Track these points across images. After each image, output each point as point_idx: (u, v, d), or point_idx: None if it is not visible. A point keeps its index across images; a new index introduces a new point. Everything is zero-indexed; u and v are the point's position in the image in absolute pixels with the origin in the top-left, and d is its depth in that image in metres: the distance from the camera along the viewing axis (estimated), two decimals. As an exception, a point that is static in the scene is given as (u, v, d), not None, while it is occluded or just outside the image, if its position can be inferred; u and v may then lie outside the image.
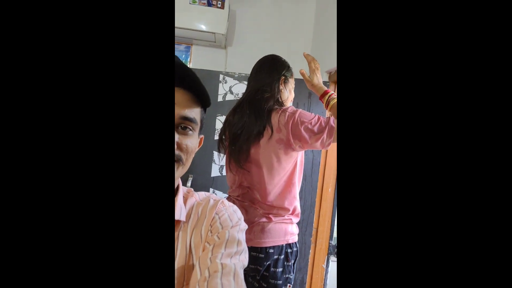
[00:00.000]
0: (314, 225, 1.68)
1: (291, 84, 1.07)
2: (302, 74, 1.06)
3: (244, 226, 0.55)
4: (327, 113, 1.03)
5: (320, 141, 0.91)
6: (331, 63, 1.56)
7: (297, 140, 0.93)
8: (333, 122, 0.91)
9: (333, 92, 1.01)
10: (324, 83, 1.68)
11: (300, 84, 1.55)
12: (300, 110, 0.96)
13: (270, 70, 1.02)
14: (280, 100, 1.02)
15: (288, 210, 0.99)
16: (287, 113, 0.95)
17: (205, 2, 1.74)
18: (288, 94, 1.05)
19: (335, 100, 0.97)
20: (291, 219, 1.00)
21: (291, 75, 1.07)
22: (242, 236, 0.53)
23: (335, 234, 2.05)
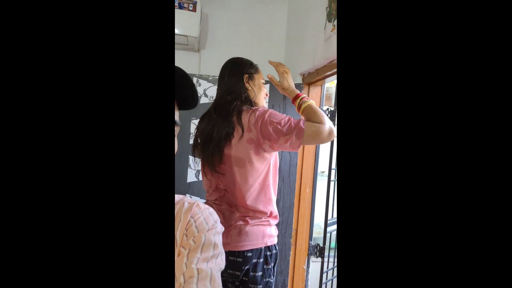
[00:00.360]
0: (294, 226, 1.68)
1: (258, 79, 1.06)
2: (271, 79, 1.06)
3: (220, 228, 0.54)
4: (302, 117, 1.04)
5: (289, 142, 0.91)
6: (305, 65, 1.58)
7: (267, 140, 0.93)
8: (302, 123, 0.91)
9: (305, 95, 1.02)
10: (298, 85, 1.70)
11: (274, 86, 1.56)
12: (271, 110, 0.96)
13: (232, 72, 1.02)
14: (249, 99, 1.01)
15: (265, 213, 0.98)
16: (257, 113, 0.95)
17: (176, 4, 1.71)
18: (256, 91, 1.05)
19: (307, 103, 0.98)
20: (268, 221, 0.99)
21: (256, 70, 1.07)
22: (218, 239, 0.51)
23: (314, 235, 2.06)
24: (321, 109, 1.71)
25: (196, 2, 1.72)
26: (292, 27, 1.91)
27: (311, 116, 0.95)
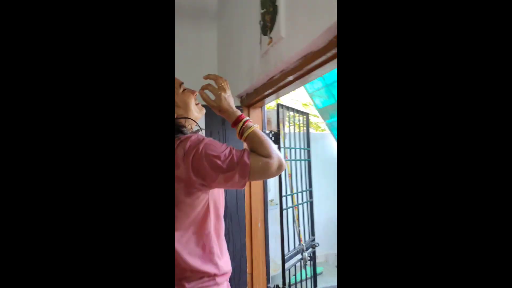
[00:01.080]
0: (248, 269, 1.44)
1: (184, 100, 0.83)
2: (205, 99, 0.81)
3: None
4: (244, 145, 0.83)
5: (231, 181, 0.70)
6: (242, 85, 1.43)
7: (201, 178, 0.71)
8: (247, 157, 0.71)
9: (248, 118, 0.81)
10: (237, 108, 1.54)
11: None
12: (207, 139, 0.74)
13: None
14: (178, 126, 0.79)
15: (203, 273, 0.73)
16: (188, 143, 0.71)
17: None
18: (184, 108, 0.82)
19: (251, 129, 0.76)
20: (215, 279, 0.74)
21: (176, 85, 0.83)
22: None
23: (271, 273, 1.84)
24: (264, 132, 1.56)
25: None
26: (222, 50, 1.79)
27: (256, 146, 0.75)
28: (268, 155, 0.73)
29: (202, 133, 0.99)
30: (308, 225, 1.95)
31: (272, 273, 1.92)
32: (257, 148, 0.74)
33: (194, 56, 1.83)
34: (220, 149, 0.71)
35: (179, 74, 1.78)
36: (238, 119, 0.79)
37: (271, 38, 1.08)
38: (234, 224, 1.41)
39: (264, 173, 0.73)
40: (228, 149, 0.72)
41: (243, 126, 0.77)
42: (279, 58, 1.05)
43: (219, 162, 0.69)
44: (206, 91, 0.83)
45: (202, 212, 0.74)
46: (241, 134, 0.78)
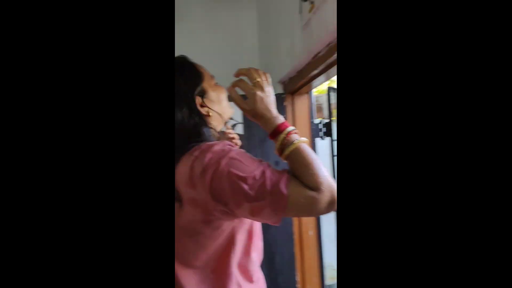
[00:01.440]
0: (300, 285, 1.24)
1: (217, 94, 0.65)
2: (235, 100, 0.59)
3: None
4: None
5: (259, 215, 0.51)
6: (283, 68, 1.21)
7: (221, 204, 0.52)
8: (285, 185, 0.50)
9: (293, 127, 0.56)
10: (279, 96, 1.31)
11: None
12: (235, 151, 0.53)
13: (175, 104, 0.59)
14: (204, 130, 0.60)
15: None
16: (209, 156, 0.53)
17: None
18: (217, 107, 0.64)
19: (295, 145, 0.53)
20: None
21: (202, 77, 0.63)
22: None
23: (328, 281, 1.63)
24: (312, 122, 1.32)
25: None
26: (264, 32, 1.57)
27: (300, 170, 0.52)
28: (315, 186, 0.50)
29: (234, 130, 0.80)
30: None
31: (329, 281, 1.70)
32: (301, 173, 0.52)
33: (233, 39, 1.64)
34: (250, 167, 0.51)
35: (215, 64, 1.59)
36: (278, 129, 0.55)
37: (312, 2, 0.84)
38: (280, 232, 1.22)
39: (307, 211, 0.52)
40: (261, 169, 0.51)
41: (285, 140, 0.54)
42: (324, 28, 0.80)
43: (245, 186, 0.49)
44: (237, 88, 0.60)
45: (224, 245, 0.56)
46: (281, 150, 0.55)
